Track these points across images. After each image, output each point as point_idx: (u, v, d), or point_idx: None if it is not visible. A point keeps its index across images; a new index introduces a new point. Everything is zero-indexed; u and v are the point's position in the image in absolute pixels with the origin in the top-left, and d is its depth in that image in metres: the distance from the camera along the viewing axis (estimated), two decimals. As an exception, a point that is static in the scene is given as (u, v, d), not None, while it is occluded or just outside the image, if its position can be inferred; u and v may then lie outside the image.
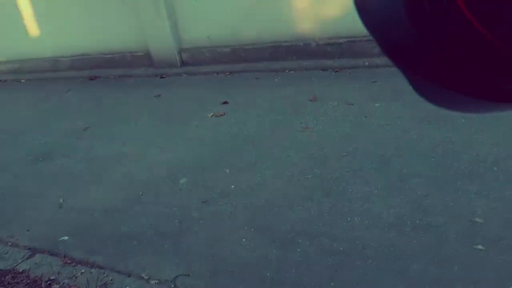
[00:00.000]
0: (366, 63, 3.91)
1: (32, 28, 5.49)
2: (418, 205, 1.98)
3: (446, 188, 2.05)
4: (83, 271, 1.92)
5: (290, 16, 4.13)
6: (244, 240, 1.94)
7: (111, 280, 1.85)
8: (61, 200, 2.51)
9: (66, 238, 2.16)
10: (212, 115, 3.38)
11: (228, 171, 2.53)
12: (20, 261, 2.05)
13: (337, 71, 3.93)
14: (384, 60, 3.85)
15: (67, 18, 5.19)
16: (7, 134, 3.75)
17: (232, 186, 2.36)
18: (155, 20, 4.58)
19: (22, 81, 5.70)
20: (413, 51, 0.23)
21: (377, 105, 3.06)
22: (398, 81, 3.37)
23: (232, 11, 4.31)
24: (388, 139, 2.58)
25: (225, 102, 3.60)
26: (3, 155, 3.34)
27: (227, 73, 4.39)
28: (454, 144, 2.40)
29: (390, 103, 3.04)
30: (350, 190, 2.16)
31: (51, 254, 2.08)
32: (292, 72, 4.11)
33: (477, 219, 1.84)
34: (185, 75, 4.62)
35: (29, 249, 2.14)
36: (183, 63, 4.77)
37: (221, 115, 3.35)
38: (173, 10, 4.55)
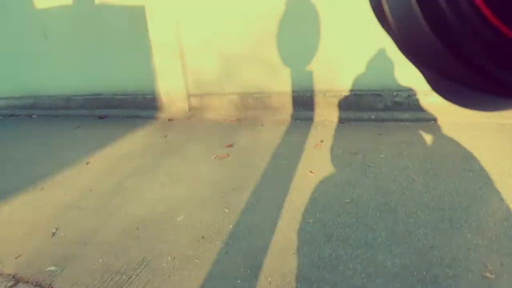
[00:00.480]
0: (372, 117, 3.95)
1: (48, 66, 5.70)
2: (425, 256, 1.88)
3: (454, 241, 1.96)
4: (66, 304, 1.80)
5: (301, 68, 4.25)
6: (239, 281, 1.84)
7: (94, 315, 1.73)
8: (54, 230, 2.44)
9: (53, 268, 2.06)
10: (216, 156, 3.37)
11: (227, 210, 2.46)
12: (1, 289, 1.94)
13: (343, 123, 3.96)
14: (389, 114, 3.90)
15: (82, 59, 5.39)
16: (12, 163, 3.75)
17: (231, 226, 2.28)
18: (166, 65, 4.74)
19: (34, 116, 5.81)
20: (433, 53, 0.23)
21: (382, 156, 3.03)
22: (404, 135, 3.39)
23: (241, 61, 4.45)
24: (393, 188, 2.53)
25: (230, 145, 3.60)
26: (5, 182, 3.30)
27: (234, 119, 4.44)
28: (462, 197, 2.33)
29: (396, 155, 3.02)
30: (353, 237, 2.07)
31: (35, 285, 1.97)
32: (298, 121, 4.15)
33: (488, 275, 1.73)
34: (193, 119, 4.68)
35: (13, 277, 2.03)
36: (192, 107, 4.85)
37: (225, 157, 3.34)
38: (185, 56, 4.71)
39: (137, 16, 4.78)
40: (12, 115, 6.03)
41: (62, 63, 5.60)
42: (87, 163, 3.58)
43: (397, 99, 3.91)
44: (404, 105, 3.91)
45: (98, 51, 5.26)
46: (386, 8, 0.24)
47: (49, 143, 4.35)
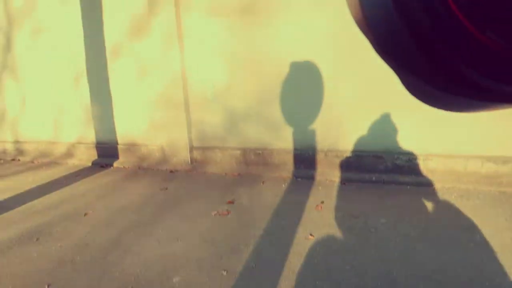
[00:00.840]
0: (373, 178, 3.97)
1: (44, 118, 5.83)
2: (427, 334, 1.81)
3: (457, 318, 1.90)
4: None
5: (303, 126, 4.34)
6: None
7: None
8: (46, 286, 2.37)
9: (41, 329, 1.98)
10: (216, 213, 3.35)
11: (225, 273, 2.40)
12: None
13: (344, 183, 3.97)
14: (390, 176, 3.92)
15: (87, 109, 5.53)
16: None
17: (228, 290, 2.22)
18: (171, 117, 4.85)
19: (35, 162, 5.85)
20: (404, 51, 0.23)
21: (383, 220, 3.01)
22: (405, 199, 3.38)
23: (244, 117, 4.56)
24: (394, 256, 2.48)
25: (231, 202, 3.59)
26: (-2, 232, 3.26)
27: (235, 174, 4.46)
28: (464, 269, 2.29)
29: (397, 221, 3.00)
30: (353, 309, 2.00)
31: None
32: (299, 179, 4.17)
33: None
34: (194, 171, 4.71)
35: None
36: (194, 160, 4.89)
37: (225, 214, 3.32)
38: (190, 109, 4.84)
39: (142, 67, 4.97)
40: None
41: (67, 113, 5.74)
42: (85, 214, 3.56)
43: (398, 162, 3.96)
44: (404, 168, 3.94)
45: (109, 104, 5.41)
46: (361, 6, 0.24)
47: (48, 195, 4.34)
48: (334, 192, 3.74)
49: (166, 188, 4.14)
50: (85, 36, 5.39)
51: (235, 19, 4.40)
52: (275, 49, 4.25)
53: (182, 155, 4.90)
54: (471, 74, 0.21)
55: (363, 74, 3.90)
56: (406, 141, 3.94)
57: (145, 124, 5.20)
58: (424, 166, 3.86)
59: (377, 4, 0.22)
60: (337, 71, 4.02)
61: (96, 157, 5.64)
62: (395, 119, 3.91)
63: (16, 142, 6.54)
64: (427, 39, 0.21)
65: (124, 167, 5.22)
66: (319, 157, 4.27)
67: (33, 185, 4.72)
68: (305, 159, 4.34)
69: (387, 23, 0.22)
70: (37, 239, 3.06)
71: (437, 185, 3.72)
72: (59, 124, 5.98)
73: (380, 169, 4.04)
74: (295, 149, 4.39)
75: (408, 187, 3.78)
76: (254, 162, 4.58)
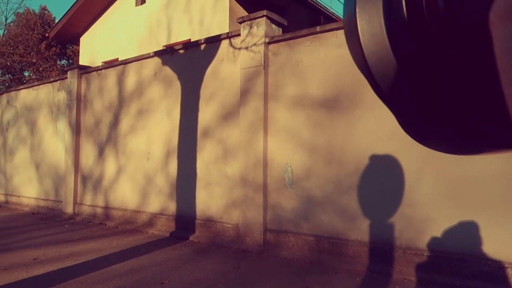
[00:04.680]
0: (457, 283, 3.69)
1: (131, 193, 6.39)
2: None
3: None
4: None
5: (381, 220, 4.28)
6: None
7: None
8: None
9: None
10: (288, 299, 3.31)
11: None
12: None
13: (423, 285, 3.73)
14: (476, 283, 3.61)
15: (173, 183, 6.00)
16: (96, 271, 4.02)
17: None
18: (248, 197, 5.08)
19: (119, 228, 6.31)
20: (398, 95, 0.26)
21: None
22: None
23: (321, 204, 4.62)
24: None
25: (302, 289, 3.54)
26: None
27: (307, 262, 4.42)
28: None
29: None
30: None
31: None
32: (374, 274, 4.00)
33: None
34: (266, 254, 4.75)
35: None
36: (267, 242, 4.96)
37: (297, 301, 3.27)
38: (267, 191, 5.04)
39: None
40: (103, 223, 6.59)
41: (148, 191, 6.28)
42: (162, 283, 3.73)
43: (485, 268, 3.66)
44: (493, 276, 3.62)
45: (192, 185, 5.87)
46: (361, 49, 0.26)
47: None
48: (413, 293, 3.53)
49: (238, 268, 4.21)
50: (181, 119, 6.09)
51: (317, 111, 4.73)
52: (354, 140, 4.43)
53: (256, 236, 5.01)
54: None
55: (448, 171, 3.86)
56: (495, 246, 3.68)
57: (223, 201, 5.49)
58: (517, 277, 3.52)
59: (376, 47, 0.25)
60: (419, 166, 4.03)
61: (174, 229, 5.97)
62: (483, 221, 3.71)
63: (106, 207, 7.19)
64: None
65: (199, 241, 5.44)
66: (397, 253, 4.10)
67: (117, 249, 5.09)
68: (381, 254, 4.19)
69: (385, 67, 0.25)
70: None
71: (535, 301, 3.34)
72: (146, 195, 6.53)
73: (465, 273, 3.75)
74: (371, 242, 4.28)
75: (499, 298, 3.44)
76: (327, 250, 4.52)
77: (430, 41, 0.22)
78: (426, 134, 0.27)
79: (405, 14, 0.23)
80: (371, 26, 0.25)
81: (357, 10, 0.25)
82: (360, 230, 4.36)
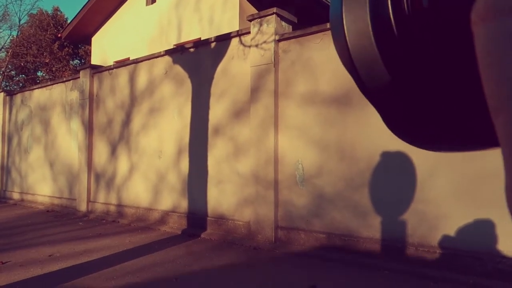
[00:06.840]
0: (470, 281, 3.65)
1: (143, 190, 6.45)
2: None
3: None
4: None
5: (393, 217, 4.25)
6: None
7: None
8: None
9: None
10: (300, 296, 3.32)
11: None
12: None
13: (436, 282, 3.71)
14: (490, 282, 3.57)
15: (184, 181, 6.04)
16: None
17: None
18: (260, 195, 5.09)
19: (131, 225, 6.39)
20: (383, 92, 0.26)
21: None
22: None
23: (332, 201, 4.61)
24: None
25: (313, 286, 3.54)
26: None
27: (319, 258, 4.42)
28: None
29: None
30: None
31: None
32: (386, 272, 3.99)
33: None
34: (277, 251, 4.76)
35: None
36: (278, 240, 4.97)
37: (309, 298, 3.28)
38: (278, 189, 5.05)
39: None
40: (116, 220, 6.67)
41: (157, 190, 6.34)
42: (175, 279, 3.77)
43: (500, 266, 3.62)
44: (508, 274, 3.58)
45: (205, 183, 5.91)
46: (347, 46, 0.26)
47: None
48: (425, 290, 3.50)
49: (251, 265, 4.23)
50: (192, 117, 6.13)
51: (328, 108, 4.71)
52: (366, 137, 4.40)
53: (267, 233, 5.02)
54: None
55: (462, 168, 3.82)
56: (511, 244, 3.63)
57: (234, 199, 5.52)
58: (533, 275, 3.47)
59: (361, 44, 0.25)
60: (432, 163, 4.00)
61: (186, 226, 6.01)
62: (497, 218, 3.67)
63: (119, 205, 7.27)
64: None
65: (210, 238, 5.47)
66: (409, 251, 4.08)
67: (130, 246, 5.15)
68: (393, 251, 4.17)
69: (370, 65, 0.25)
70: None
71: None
72: (158, 193, 6.59)
73: (479, 271, 3.71)
74: (383, 239, 4.26)
75: (514, 296, 3.39)
76: (339, 247, 4.51)
77: (415, 40, 0.23)
78: (412, 132, 0.28)
79: (391, 12, 0.23)
80: (357, 24, 0.25)
81: (343, 8, 0.26)
82: (372, 227, 4.35)
